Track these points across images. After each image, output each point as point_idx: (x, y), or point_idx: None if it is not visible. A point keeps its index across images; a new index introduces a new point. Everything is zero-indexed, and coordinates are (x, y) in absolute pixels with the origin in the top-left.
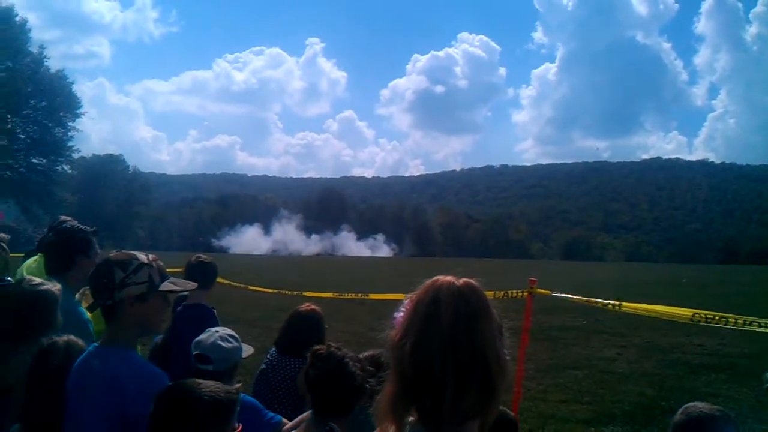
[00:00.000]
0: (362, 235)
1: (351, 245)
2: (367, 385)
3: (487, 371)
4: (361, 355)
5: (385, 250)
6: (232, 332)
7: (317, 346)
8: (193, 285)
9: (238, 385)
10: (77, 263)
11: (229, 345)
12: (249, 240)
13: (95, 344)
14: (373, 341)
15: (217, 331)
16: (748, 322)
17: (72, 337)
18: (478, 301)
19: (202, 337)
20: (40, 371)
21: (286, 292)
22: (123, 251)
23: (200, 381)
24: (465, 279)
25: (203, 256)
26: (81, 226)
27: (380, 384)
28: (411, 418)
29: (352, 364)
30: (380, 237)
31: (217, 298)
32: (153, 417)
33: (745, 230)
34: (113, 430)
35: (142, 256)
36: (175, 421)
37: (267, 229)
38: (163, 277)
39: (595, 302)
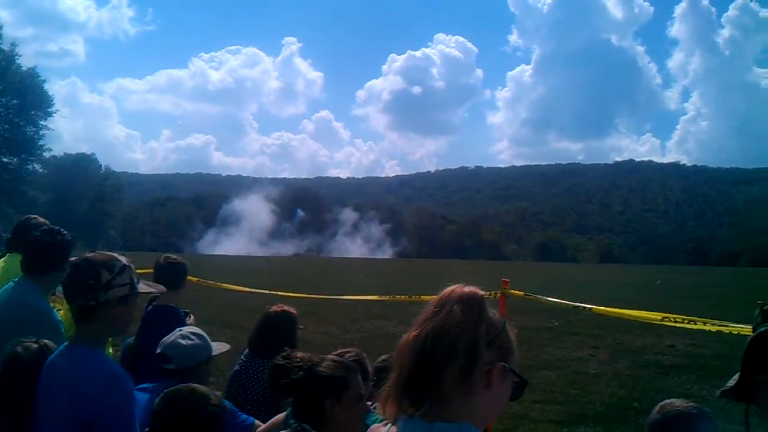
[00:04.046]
0: (338, 235)
1: (327, 246)
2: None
3: (468, 364)
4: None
5: (359, 251)
6: (197, 330)
7: (277, 357)
8: (162, 288)
9: (218, 393)
10: (64, 266)
11: (189, 342)
12: (221, 240)
13: (65, 344)
14: (348, 342)
15: (180, 330)
16: (716, 325)
17: (46, 341)
18: (472, 304)
19: (165, 337)
20: (11, 375)
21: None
22: (100, 252)
23: (197, 388)
24: (469, 287)
25: (172, 256)
26: (61, 229)
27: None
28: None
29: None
30: (356, 238)
31: (192, 300)
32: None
33: (716, 232)
34: (71, 429)
35: (122, 258)
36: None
37: (241, 230)
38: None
39: (567, 304)
